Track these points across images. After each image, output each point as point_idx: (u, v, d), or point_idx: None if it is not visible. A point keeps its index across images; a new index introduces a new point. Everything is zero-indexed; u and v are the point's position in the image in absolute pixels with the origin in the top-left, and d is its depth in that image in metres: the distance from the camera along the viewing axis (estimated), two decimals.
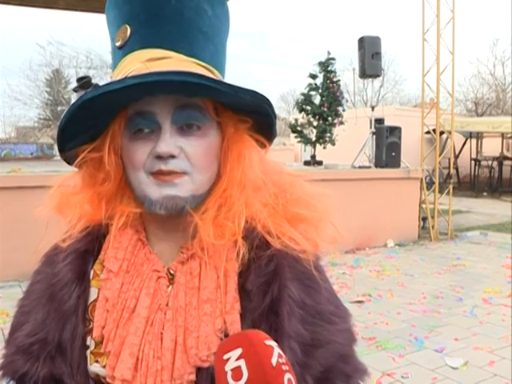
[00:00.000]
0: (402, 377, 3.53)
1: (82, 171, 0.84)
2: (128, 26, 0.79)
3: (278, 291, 0.77)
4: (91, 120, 0.77)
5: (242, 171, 0.80)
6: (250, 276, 0.79)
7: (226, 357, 0.65)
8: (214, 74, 0.80)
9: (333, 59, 9.63)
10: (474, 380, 3.49)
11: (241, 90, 0.75)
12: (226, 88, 0.74)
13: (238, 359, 0.64)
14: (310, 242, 0.82)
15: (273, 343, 0.66)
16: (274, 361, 0.63)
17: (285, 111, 38.64)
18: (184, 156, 0.77)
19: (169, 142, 0.75)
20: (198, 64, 0.79)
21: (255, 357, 0.63)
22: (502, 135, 17.02)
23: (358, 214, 7.63)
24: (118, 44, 0.80)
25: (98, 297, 0.83)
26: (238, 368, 0.63)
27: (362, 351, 3.87)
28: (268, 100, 0.78)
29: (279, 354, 0.64)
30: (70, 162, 0.84)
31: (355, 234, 7.57)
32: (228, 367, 0.64)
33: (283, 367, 0.63)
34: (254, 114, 0.81)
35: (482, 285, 5.84)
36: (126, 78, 0.72)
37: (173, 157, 0.76)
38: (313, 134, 9.74)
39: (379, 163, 8.51)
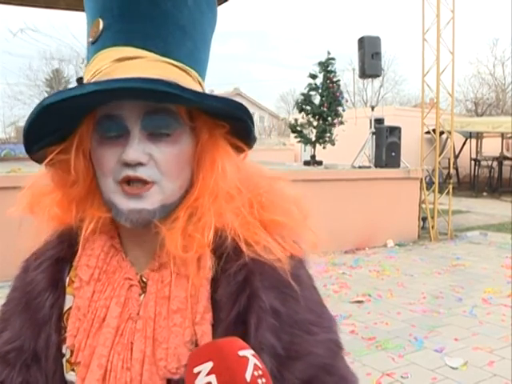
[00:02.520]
0: (402, 377, 3.52)
1: (52, 172, 0.81)
2: (101, 20, 0.75)
3: (247, 301, 0.73)
4: (57, 122, 0.74)
5: (215, 180, 0.76)
6: (221, 286, 0.75)
7: (196, 370, 0.60)
8: (190, 75, 0.76)
9: (333, 59, 9.65)
10: (473, 380, 3.48)
11: (209, 98, 0.72)
12: (191, 96, 0.70)
13: (208, 374, 0.59)
14: (289, 248, 0.78)
15: (248, 353, 0.61)
16: (248, 375, 0.58)
17: (285, 111, 38.66)
18: (153, 163, 0.73)
19: (137, 148, 0.72)
20: (172, 64, 0.75)
21: (227, 372, 0.58)
22: (502, 135, 17.01)
23: (357, 214, 7.63)
24: (90, 39, 0.77)
25: (73, 304, 0.81)
26: None
27: (361, 351, 3.87)
28: (243, 106, 0.75)
29: (255, 365, 0.59)
30: (39, 161, 0.80)
31: (355, 233, 7.58)
32: (198, 383, 0.59)
33: (259, 380, 0.58)
34: (229, 120, 0.77)
35: (481, 285, 5.84)
36: (86, 84, 0.70)
37: (141, 164, 0.72)
38: (312, 134, 9.75)
39: (379, 163, 8.51)
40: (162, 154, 0.74)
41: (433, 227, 8.62)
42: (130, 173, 0.72)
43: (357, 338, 4.18)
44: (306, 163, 9.70)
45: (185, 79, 0.74)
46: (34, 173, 0.85)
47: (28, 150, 0.78)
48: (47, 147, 0.78)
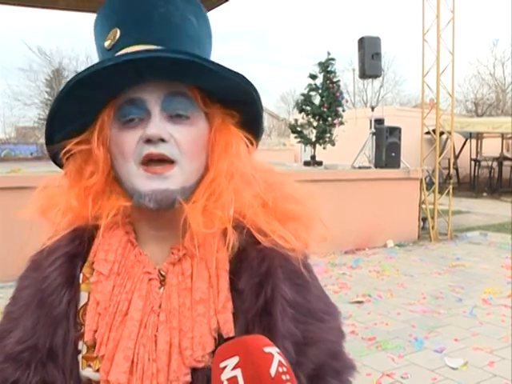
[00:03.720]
0: (402, 377, 3.52)
1: (69, 165, 0.83)
2: (118, 30, 0.80)
3: (271, 292, 0.77)
4: (80, 110, 0.77)
5: (230, 160, 0.80)
6: (243, 276, 0.79)
7: (222, 365, 0.62)
8: None
9: (333, 59, 9.65)
10: (473, 380, 3.49)
11: (227, 70, 0.76)
12: (216, 67, 0.74)
13: (234, 368, 0.60)
14: (299, 240, 0.81)
15: (273, 350, 0.62)
16: (272, 370, 0.59)
17: (285, 111, 38.65)
18: (174, 142, 0.76)
19: (159, 125, 0.75)
20: None
21: (252, 366, 0.60)
22: (502, 135, 17.02)
23: (357, 214, 7.63)
24: (107, 45, 0.81)
25: (88, 300, 0.81)
26: (234, 378, 0.60)
27: (361, 351, 3.87)
28: (254, 86, 0.79)
29: (280, 361, 0.61)
30: (56, 158, 0.83)
31: (355, 234, 7.57)
32: (224, 377, 0.61)
33: (283, 377, 0.60)
34: (240, 105, 0.81)
35: (481, 285, 5.85)
36: (117, 56, 0.73)
37: (163, 140, 0.75)
38: (312, 135, 9.75)
39: (379, 163, 8.51)
40: (181, 134, 0.77)
41: (433, 227, 8.62)
42: (152, 149, 0.75)
43: (357, 338, 4.18)
44: (306, 163, 9.70)
45: None
46: (48, 174, 0.86)
47: (49, 140, 0.80)
48: (67, 139, 0.80)
